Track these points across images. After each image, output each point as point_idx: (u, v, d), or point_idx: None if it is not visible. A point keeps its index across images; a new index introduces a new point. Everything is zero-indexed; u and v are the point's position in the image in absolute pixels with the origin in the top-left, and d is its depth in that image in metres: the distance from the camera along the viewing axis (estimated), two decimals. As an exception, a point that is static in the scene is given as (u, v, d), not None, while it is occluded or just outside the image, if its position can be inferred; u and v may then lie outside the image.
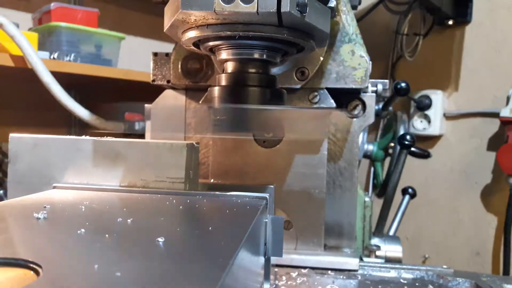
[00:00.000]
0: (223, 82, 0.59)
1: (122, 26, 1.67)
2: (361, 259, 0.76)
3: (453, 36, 1.78)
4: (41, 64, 1.03)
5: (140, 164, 0.55)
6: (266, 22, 0.50)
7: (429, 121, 1.79)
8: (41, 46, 1.23)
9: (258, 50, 0.57)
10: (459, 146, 1.79)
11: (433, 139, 1.83)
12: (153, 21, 1.76)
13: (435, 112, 1.77)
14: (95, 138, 0.56)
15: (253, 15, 0.48)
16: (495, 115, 1.66)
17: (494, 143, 1.71)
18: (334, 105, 0.73)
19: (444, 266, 0.71)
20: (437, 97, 1.77)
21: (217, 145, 0.76)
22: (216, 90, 0.59)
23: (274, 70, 0.70)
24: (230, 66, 0.60)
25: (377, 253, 0.84)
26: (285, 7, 0.47)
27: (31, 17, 1.41)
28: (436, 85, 1.80)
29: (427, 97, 1.78)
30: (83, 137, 0.58)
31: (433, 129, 1.78)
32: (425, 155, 1.28)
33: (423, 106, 1.78)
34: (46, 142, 0.57)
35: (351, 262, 0.71)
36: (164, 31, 0.56)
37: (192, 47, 0.60)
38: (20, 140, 0.58)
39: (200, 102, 0.78)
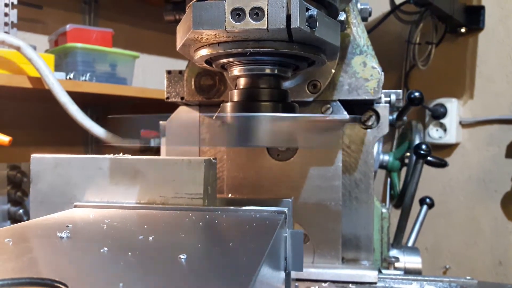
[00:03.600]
0: (236, 98, 0.60)
1: (136, 45, 1.70)
2: (380, 272, 0.75)
3: (466, 43, 1.77)
4: (57, 85, 1.06)
5: (159, 181, 0.56)
6: (277, 38, 0.51)
7: (445, 130, 1.77)
8: (58, 67, 1.25)
9: (270, 66, 0.58)
10: (477, 154, 1.77)
11: (449, 148, 1.81)
12: (166, 39, 1.78)
13: (451, 120, 1.75)
14: (114, 156, 0.57)
15: (263, 32, 0.49)
16: (513, 121, 1.64)
17: (513, 150, 1.69)
18: (347, 116, 0.73)
19: (468, 277, 0.70)
20: (452, 105, 1.76)
21: (231, 159, 0.76)
22: (228, 106, 0.59)
23: (286, 84, 0.71)
24: (242, 82, 0.60)
25: (396, 264, 0.82)
26: (295, 23, 0.48)
27: (48, 39, 1.45)
28: (451, 93, 1.79)
29: (442, 105, 1.77)
30: (103, 155, 0.59)
31: (449, 138, 1.76)
32: (442, 164, 1.26)
33: (438, 114, 1.76)
34: (67, 161, 0.58)
35: (370, 275, 0.71)
36: (177, 49, 0.57)
37: (205, 65, 0.61)
38: (41, 160, 0.59)
39: (214, 117, 0.78)
